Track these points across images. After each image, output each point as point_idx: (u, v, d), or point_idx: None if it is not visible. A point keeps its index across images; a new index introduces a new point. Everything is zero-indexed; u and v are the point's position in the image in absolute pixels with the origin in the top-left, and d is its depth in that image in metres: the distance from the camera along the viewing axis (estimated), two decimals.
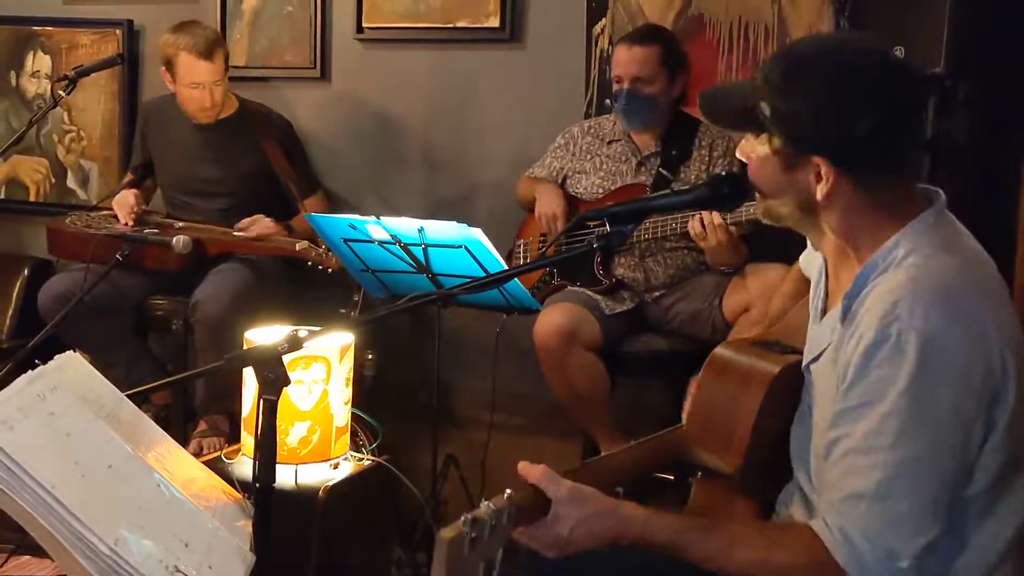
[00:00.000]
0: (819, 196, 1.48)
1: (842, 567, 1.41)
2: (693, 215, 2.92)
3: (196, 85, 3.44)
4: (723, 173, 1.67)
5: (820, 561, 1.42)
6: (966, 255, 1.50)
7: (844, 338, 1.49)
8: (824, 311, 1.63)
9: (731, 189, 1.60)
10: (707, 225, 2.90)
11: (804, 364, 1.63)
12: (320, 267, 3.26)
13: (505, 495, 1.35)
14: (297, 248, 3.28)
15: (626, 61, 3.13)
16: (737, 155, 1.60)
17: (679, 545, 1.46)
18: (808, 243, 1.75)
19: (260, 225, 3.42)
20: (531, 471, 1.44)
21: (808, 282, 1.79)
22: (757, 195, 1.59)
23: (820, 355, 1.58)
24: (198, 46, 3.39)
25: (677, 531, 1.47)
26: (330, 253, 3.17)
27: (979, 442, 1.41)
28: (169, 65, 3.46)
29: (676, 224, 2.98)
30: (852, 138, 1.44)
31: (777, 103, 1.47)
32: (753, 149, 1.54)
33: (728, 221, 2.90)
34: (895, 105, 1.46)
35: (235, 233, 3.41)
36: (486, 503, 1.31)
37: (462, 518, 1.26)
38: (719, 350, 1.73)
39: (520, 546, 1.43)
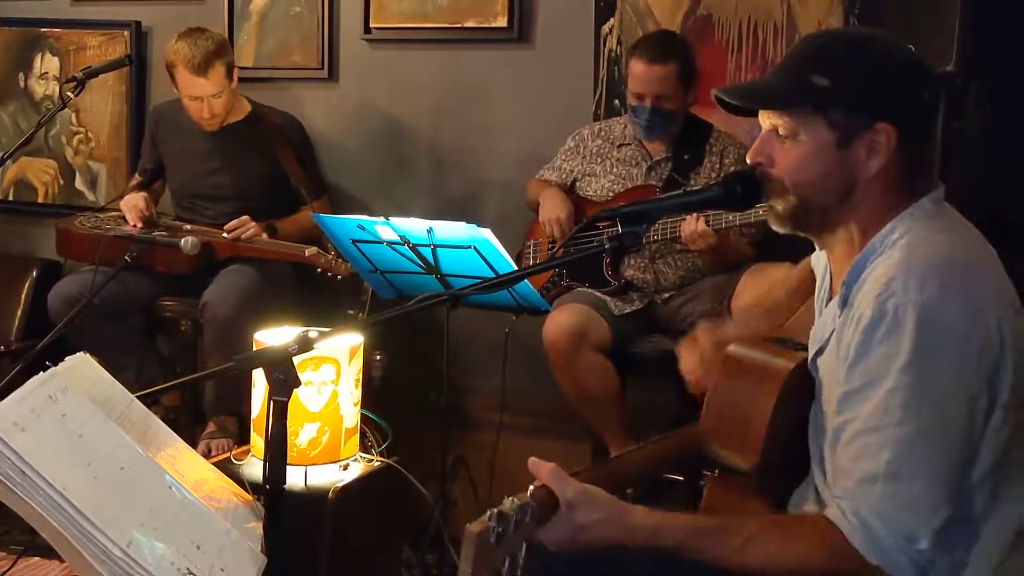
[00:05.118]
0: (871, 171, 1.49)
1: (861, 553, 1.39)
2: (685, 220, 2.91)
3: (194, 98, 3.45)
4: (736, 171, 1.65)
5: (838, 549, 1.40)
6: (961, 235, 1.51)
7: (845, 323, 1.50)
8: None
9: (744, 188, 1.57)
10: (691, 232, 2.90)
11: (810, 358, 1.63)
12: (330, 274, 3.26)
13: (528, 491, 1.35)
14: (307, 254, 3.27)
15: (646, 79, 3.07)
16: (750, 160, 1.57)
17: (692, 548, 1.44)
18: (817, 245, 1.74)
19: (244, 228, 3.39)
20: (541, 469, 1.42)
21: (814, 280, 1.79)
22: (772, 199, 1.56)
23: (824, 346, 1.58)
24: (194, 61, 3.37)
25: (688, 534, 1.45)
26: (339, 260, 3.16)
27: (983, 418, 1.41)
28: (170, 74, 3.48)
29: None
30: (917, 102, 1.50)
31: (839, 73, 1.48)
32: (791, 148, 1.52)
33: (738, 222, 2.89)
34: (934, 83, 1.53)
35: (222, 235, 3.39)
36: (510, 499, 1.30)
37: (488, 513, 1.25)
38: (733, 347, 1.72)
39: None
